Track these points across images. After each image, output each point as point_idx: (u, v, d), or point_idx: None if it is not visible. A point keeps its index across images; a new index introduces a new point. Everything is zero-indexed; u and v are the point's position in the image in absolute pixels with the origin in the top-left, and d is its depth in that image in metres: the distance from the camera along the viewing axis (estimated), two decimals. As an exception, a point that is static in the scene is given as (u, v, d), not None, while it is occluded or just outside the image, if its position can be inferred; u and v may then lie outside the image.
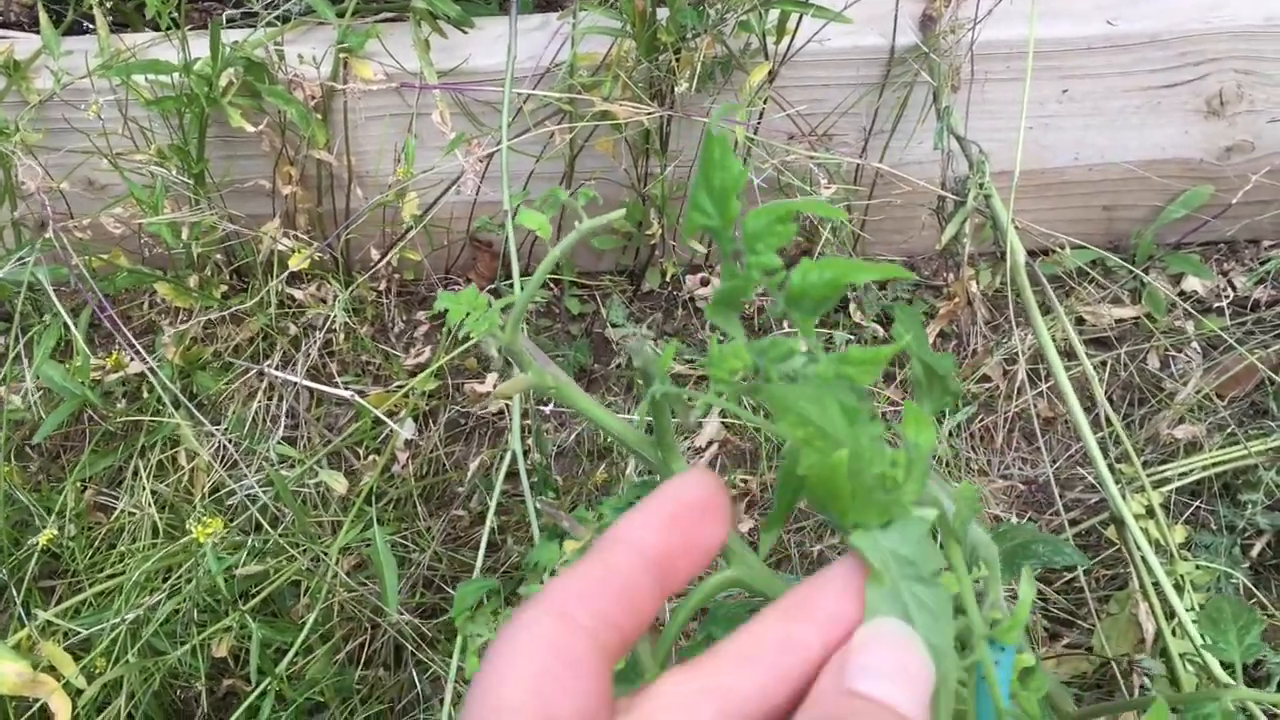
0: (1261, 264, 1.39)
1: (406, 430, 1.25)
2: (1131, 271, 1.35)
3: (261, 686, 1.02)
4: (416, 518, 1.21)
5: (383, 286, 1.40)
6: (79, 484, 1.21)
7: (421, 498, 1.23)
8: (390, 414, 1.13)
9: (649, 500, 0.38)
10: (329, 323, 1.19)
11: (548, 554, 0.81)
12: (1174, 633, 1.09)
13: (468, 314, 0.88)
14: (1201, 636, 0.73)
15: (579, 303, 1.44)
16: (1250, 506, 1.14)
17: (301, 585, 1.09)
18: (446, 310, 0.91)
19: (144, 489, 1.10)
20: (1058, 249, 1.32)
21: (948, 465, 1.27)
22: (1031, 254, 1.41)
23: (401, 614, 1.08)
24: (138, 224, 1.20)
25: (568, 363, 1.40)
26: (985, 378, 1.31)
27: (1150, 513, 1.12)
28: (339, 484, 1.05)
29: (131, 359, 1.18)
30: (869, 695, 0.34)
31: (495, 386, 1.32)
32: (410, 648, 1.11)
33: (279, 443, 1.13)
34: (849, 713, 0.34)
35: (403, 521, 1.23)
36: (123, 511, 1.15)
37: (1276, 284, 1.35)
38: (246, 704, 1.01)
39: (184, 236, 1.20)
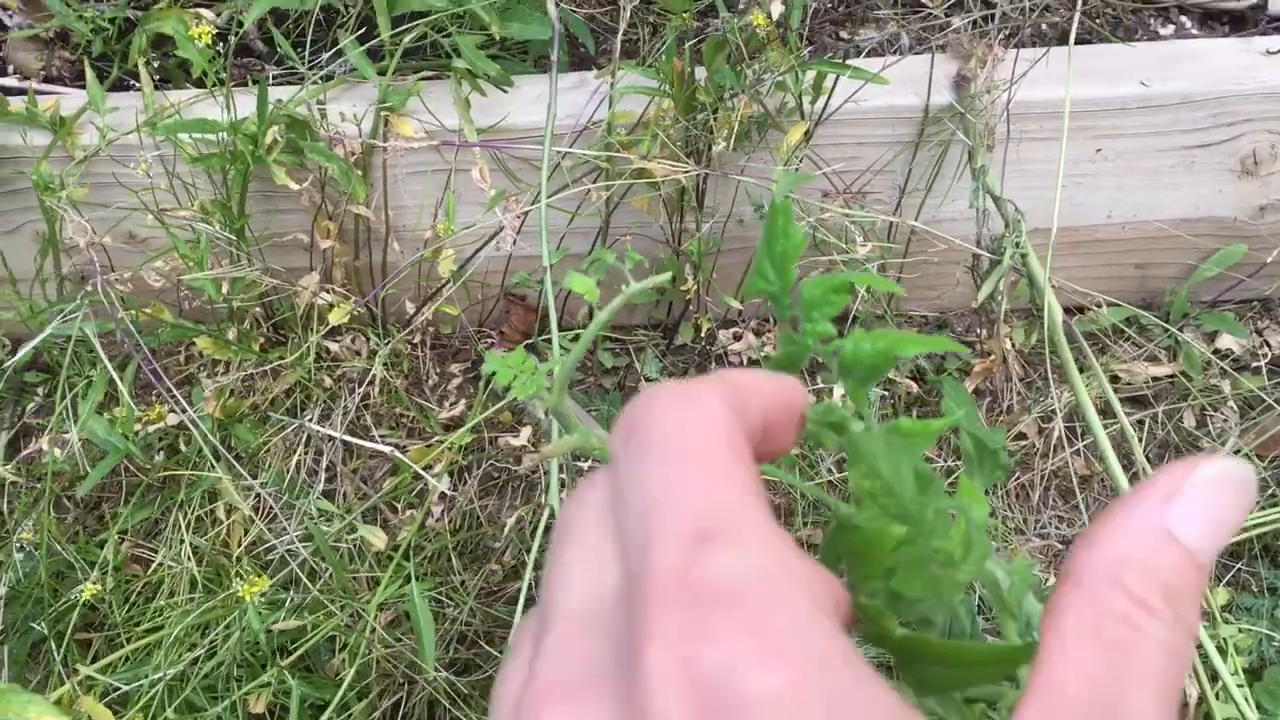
0: (1296, 322, 1.39)
1: (443, 484, 1.25)
2: (1166, 330, 1.35)
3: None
4: (451, 572, 1.21)
5: (417, 339, 1.41)
6: (117, 536, 1.22)
7: (456, 552, 1.23)
8: (427, 468, 1.13)
9: (766, 374, 0.38)
10: (368, 377, 1.20)
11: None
12: (1218, 696, 1.08)
13: (515, 376, 0.88)
14: (1258, 708, 0.73)
15: (612, 356, 1.44)
16: (1293, 569, 1.14)
17: (338, 641, 1.09)
18: (494, 372, 0.91)
19: (182, 542, 1.11)
20: (1093, 307, 1.32)
21: (986, 526, 1.26)
22: (1067, 311, 1.41)
23: (438, 670, 1.08)
24: (178, 278, 1.21)
25: (601, 416, 1.40)
26: (1021, 435, 1.31)
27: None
28: (378, 539, 1.06)
29: (171, 410, 1.18)
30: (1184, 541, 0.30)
31: (529, 440, 1.32)
32: (445, 703, 1.10)
33: (319, 497, 1.13)
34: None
35: (437, 576, 1.23)
36: (161, 565, 1.16)
37: (1312, 343, 1.35)
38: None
39: (224, 291, 1.21)
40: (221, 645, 1.00)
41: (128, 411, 1.06)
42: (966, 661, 0.53)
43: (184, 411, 1.07)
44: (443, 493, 1.27)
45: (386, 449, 1.02)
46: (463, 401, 1.39)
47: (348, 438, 1.11)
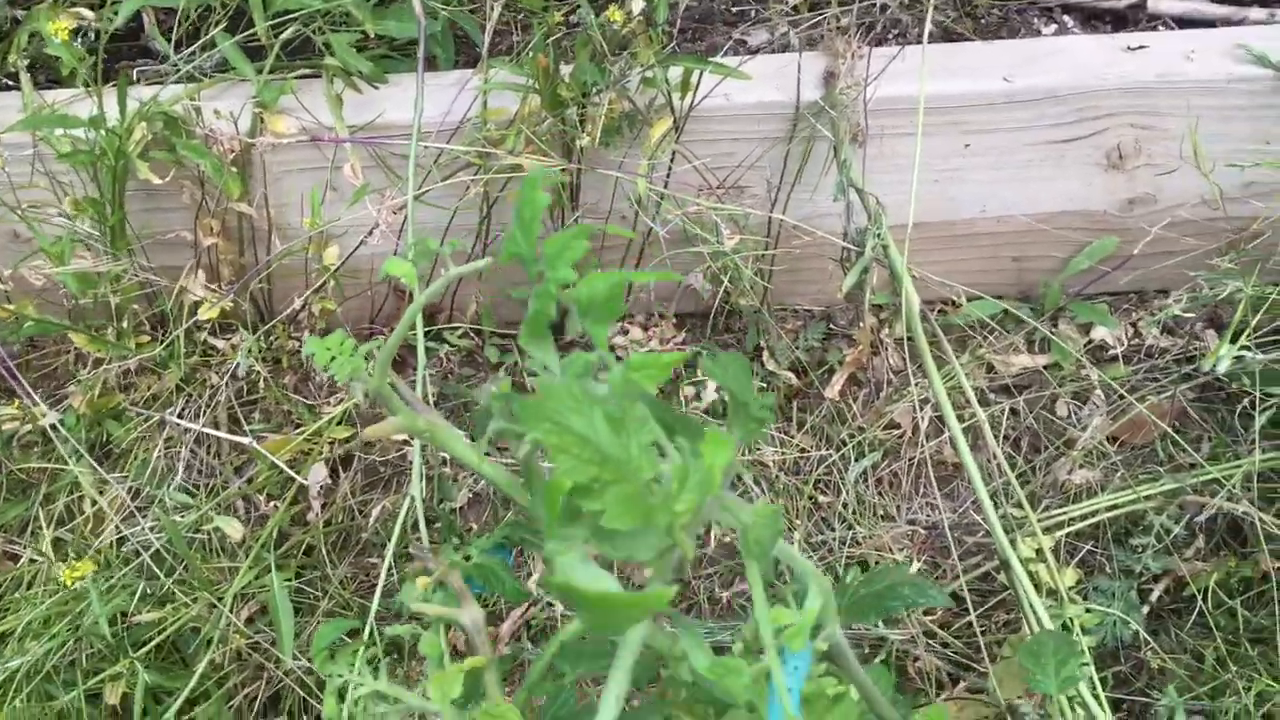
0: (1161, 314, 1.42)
1: (315, 476, 1.26)
2: (1035, 323, 1.37)
3: (151, 733, 1.02)
4: (325, 564, 1.22)
5: (304, 336, 1.42)
6: (-9, 532, 1.22)
7: (334, 546, 1.24)
8: (292, 462, 1.14)
9: None
10: (235, 370, 1.21)
11: (408, 594, 0.82)
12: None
13: (333, 358, 0.90)
14: (1029, 670, 0.75)
15: (499, 352, 1.46)
16: (1141, 550, 1.16)
17: (202, 632, 1.10)
18: (312, 353, 0.92)
19: (45, 537, 1.12)
20: (956, 300, 1.35)
21: (853, 511, 1.28)
22: (944, 304, 1.43)
23: (297, 659, 1.09)
24: (52, 274, 1.22)
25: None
26: (894, 424, 1.33)
27: (1040, 556, 1.13)
28: (233, 529, 1.07)
29: (43, 412, 1.19)
30: None
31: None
32: (309, 697, 1.11)
33: (178, 490, 1.14)
34: None
35: (314, 569, 1.24)
36: (27, 560, 1.16)
37: (1178, 333, 1.38)
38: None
39: (98, 288, 1.22)
40: (71, 637, 1.01)
41: (-12, 407, 1.07)
42: (609, 605, 0.55)
43: (37, 405, 1.08)
44: (321, 485, 1.28)
45: (246, 440, 1.03)
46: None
47: (209, 430, 1.12)
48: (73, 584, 0.94)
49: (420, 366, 1.18)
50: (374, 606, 1.04)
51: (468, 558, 0.86)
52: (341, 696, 0.81)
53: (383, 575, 1.06)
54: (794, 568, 0.68)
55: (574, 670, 0.77)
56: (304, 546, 1.23)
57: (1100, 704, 1.03)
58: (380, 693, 0.85)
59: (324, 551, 1.21)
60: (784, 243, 1.36)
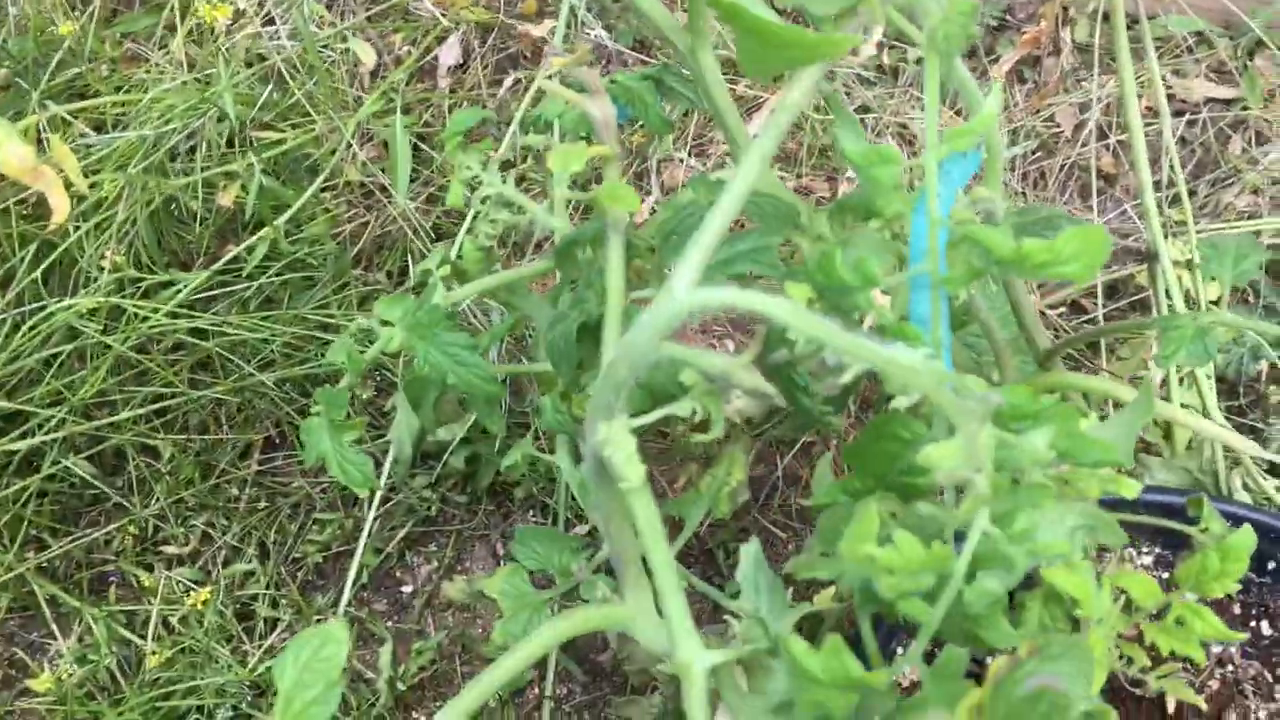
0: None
1: (447, 55, 1.21)
2: (1236, 49, 1.26)
3: (261, 234, 1.01)
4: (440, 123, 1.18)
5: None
6: (117, 37, 1.20)
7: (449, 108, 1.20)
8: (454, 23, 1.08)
9: None
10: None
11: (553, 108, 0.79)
12: (1180, 382, 1.06)
13: None
14: (1200, 258, 0.70)
15: None
16: (1297, 281, 1.09)
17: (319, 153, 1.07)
18: None
19: (179, 45, 1.08)
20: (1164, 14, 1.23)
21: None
22: (1135, 19, 1.32)
23: (410, 201, 1.06)
24: None
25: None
26: (1053, 120, 1.25)
27: (1190, 265, 1.07)
28: (367, 55, 1.02)
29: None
30: None
31: (548, 32, 1.27)
32: (414, 238, 1.10)
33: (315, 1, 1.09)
34: None
35: (430, 126, 1.20)
36: (153, 65, 1.13)
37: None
38: (243, 246, 1.01)
39: None
40: (202, 127, 0.99)
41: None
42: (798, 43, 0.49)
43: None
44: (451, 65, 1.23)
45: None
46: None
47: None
48: (213, 20, 0.91)
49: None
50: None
51: (614, 81, 0.81)
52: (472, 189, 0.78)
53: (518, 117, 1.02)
54: (961, 80, 0.62)
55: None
56: (430, 113, 1.19)
57: (1212, 389, 0.99)
58: (504, 197, 0.82)
59: (447, 119, 1.17)
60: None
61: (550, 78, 0.80)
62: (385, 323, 0.77)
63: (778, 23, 0.52)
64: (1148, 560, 0.79)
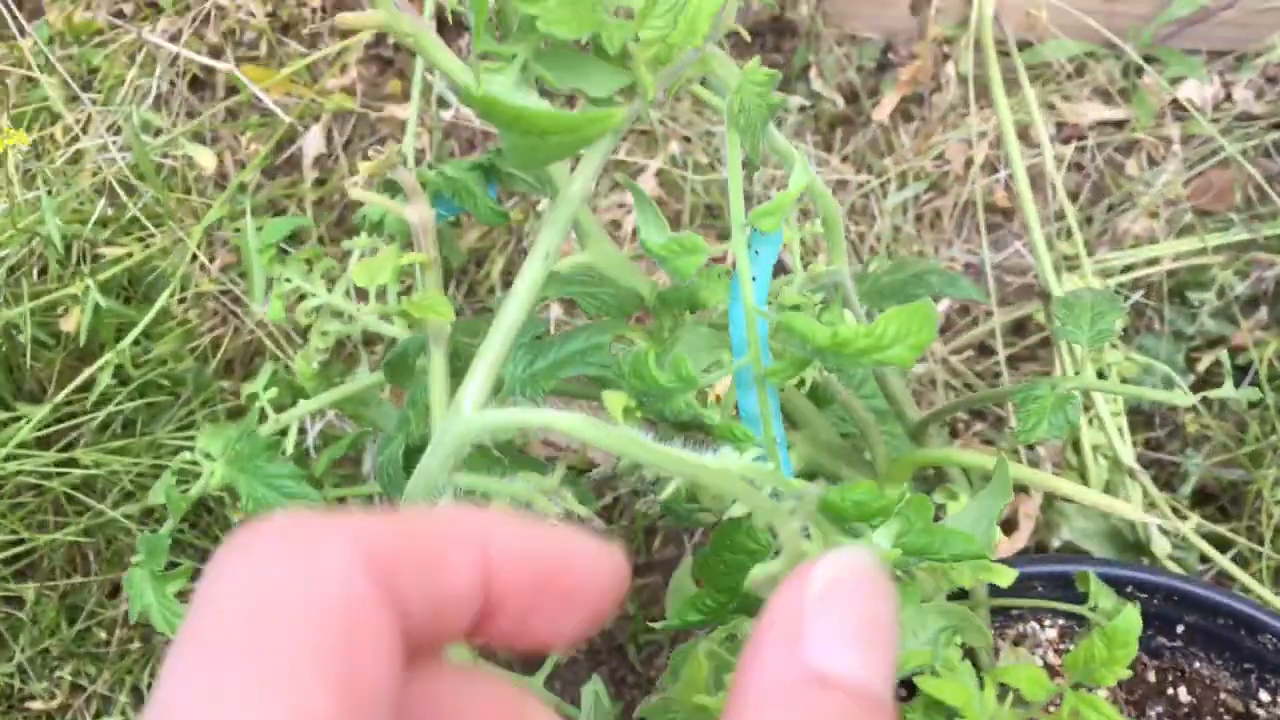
0: (1268, 80, 1.27)
1: (310, 143, 1.16)
2: (1124, 68, 1.23)
3: (102, 361, 0.95)
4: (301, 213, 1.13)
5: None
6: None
7: (317, 205, 1.15)
8: (299, 116, 1.03)
9: (539, 531, 0.24)
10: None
11: (352, 190, 0.73)
12: (1090, 423, 1.01)
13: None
14: (1058, 321, 0.65)
15: None
16: (1199, 306, 1.05)
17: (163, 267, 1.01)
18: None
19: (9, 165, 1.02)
20: (1029, 41, 1.20)
21: (888, 244, 1.17)
22: (1020, 46, 1.29)
23: (263, 308, 1.00)
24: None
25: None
26: (942, 157, 1.21)
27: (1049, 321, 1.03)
28: (207, 159, 0.97)
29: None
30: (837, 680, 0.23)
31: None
32: (270, 346, 1.04)
33: (147, 110, 1.04)
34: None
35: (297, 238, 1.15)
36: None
37: (1272, 99, 1.23)
38: (84, 376, 0.95)
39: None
40: (24, 246, 0.93)
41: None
42: (545, 125, 0.45)
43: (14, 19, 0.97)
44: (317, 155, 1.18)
45: (222, 66, 0.93)
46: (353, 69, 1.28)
47: (185, 51, 1.01)
48: (4, 149, 0.85)
49: None
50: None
51: (440, 174, 0.76)
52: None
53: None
54: (778, 150, 0.57)
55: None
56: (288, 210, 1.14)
57: (1123, 435, 0.94)
58: (332, 307, 0.76)
59: (308, 208, 1.12)
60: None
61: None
62: (208, 456, 0.71)
63: (538, 109, 0.47)
64: (1051, 634, 0.73)
